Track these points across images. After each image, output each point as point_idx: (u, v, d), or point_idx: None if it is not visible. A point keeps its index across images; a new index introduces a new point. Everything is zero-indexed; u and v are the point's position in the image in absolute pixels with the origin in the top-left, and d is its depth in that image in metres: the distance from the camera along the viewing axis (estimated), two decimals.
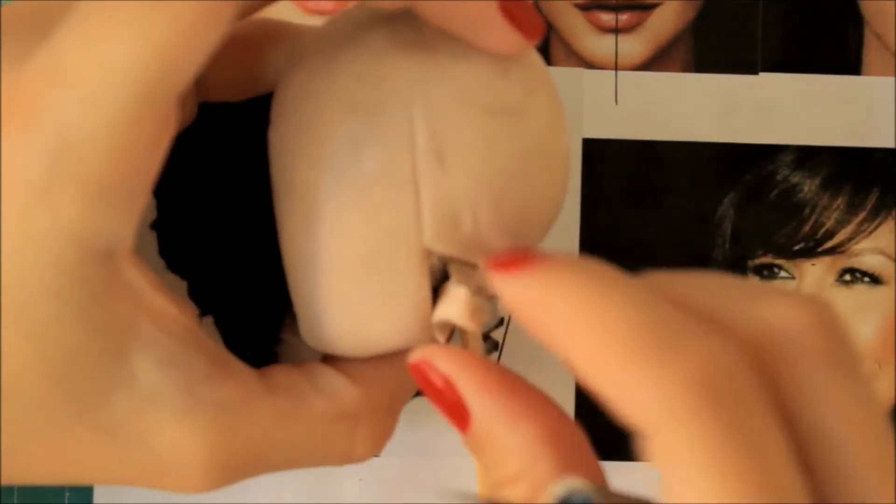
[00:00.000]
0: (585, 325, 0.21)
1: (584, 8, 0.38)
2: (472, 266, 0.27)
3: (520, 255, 0.23)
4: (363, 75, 0.26)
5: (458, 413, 0.24)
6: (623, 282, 0.22)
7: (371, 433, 0.28)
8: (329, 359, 0.29)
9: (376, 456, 0.35)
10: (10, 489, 0.36)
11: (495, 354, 0.36)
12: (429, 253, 0.26)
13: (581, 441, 0.24)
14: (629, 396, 0.21)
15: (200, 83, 0.30)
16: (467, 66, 0.26)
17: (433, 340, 0.28)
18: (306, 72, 0.27)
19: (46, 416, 0.24)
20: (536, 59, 0.28)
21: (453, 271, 0.27)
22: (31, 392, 0.23)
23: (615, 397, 0.21)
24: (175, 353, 0.25)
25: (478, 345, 0.29)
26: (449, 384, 0.25)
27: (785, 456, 0.20)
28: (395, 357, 0.28)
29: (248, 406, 0.26)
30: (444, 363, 0.25)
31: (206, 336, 0.26)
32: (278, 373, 0.27)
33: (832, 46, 0.38)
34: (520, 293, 0.23)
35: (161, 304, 0.25)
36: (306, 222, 0.27)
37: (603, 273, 0.22)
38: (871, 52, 0.38)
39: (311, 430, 0.27)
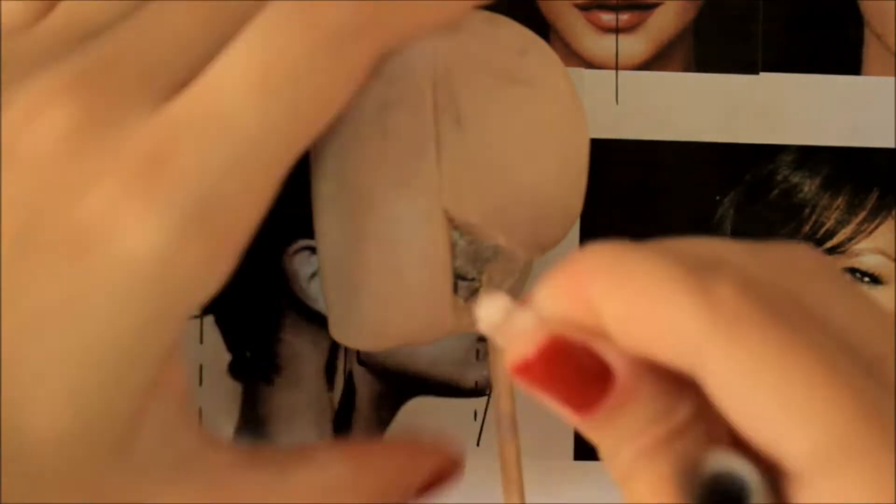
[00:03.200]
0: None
1: (584, 8, 0.38)
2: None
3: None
4: (391, 53, 0.28)
5: (597, 382, 0.21)
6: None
7: None
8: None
9: None
10: None
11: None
12: (450, 218, 0.27)
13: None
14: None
15: None
16: (487, 43, 0.28)
17: (449, 325, 0.29)
18: None
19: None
20: (552, 52, 0.30)
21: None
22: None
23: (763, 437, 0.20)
24: (171, 428, 0.25)
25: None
26: (587, 351, 0.21)
27: None
28: (405, 448, 0.28)
29: (235, 476, 0.25)
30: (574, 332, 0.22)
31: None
32: (269, 448, 0.27)
33: (832, 46, 0.38)
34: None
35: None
36: (335, 196, 0.28)
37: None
38: (871, 52, 0.38)
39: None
